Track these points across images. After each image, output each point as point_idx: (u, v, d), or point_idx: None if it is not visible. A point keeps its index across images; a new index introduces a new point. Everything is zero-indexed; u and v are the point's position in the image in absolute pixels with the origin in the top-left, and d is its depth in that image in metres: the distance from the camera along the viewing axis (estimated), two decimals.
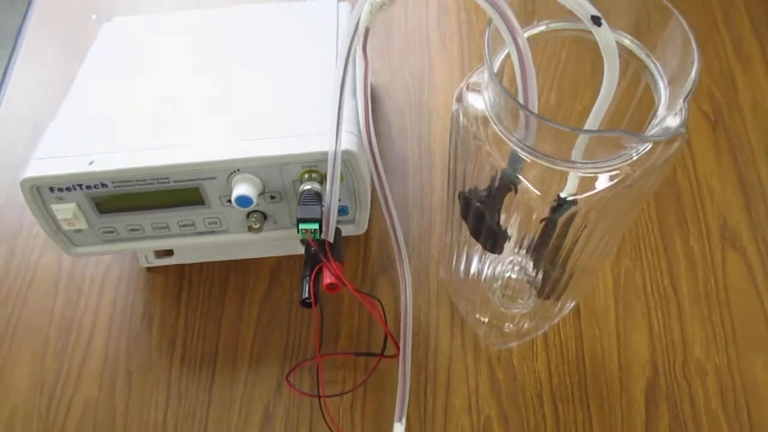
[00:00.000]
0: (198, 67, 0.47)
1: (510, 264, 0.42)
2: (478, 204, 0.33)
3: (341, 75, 0.36)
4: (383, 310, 0.43)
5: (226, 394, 0.47)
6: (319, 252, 0.39)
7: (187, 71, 0.47)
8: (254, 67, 0.46)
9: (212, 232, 0.45)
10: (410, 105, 0.59)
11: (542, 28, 0.30)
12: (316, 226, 0.39)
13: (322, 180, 0.41)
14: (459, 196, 0.35)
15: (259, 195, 0.42)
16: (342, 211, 0.44)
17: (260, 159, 0.41)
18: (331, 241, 0.40)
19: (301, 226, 0.39)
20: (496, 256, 0.40)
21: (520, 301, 0.42)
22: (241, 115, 0.43)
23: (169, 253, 0.51)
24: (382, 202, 0.42)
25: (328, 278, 0.39)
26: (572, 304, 0.49)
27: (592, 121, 0.33)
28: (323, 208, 0.40)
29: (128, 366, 0.48)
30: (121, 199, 0.42)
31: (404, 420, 0.43)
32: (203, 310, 0.50)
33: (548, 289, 0.42)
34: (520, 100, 0.28)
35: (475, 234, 0.36)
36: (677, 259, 0.50)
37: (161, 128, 0.43)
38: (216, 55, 0.48)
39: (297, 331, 0.49)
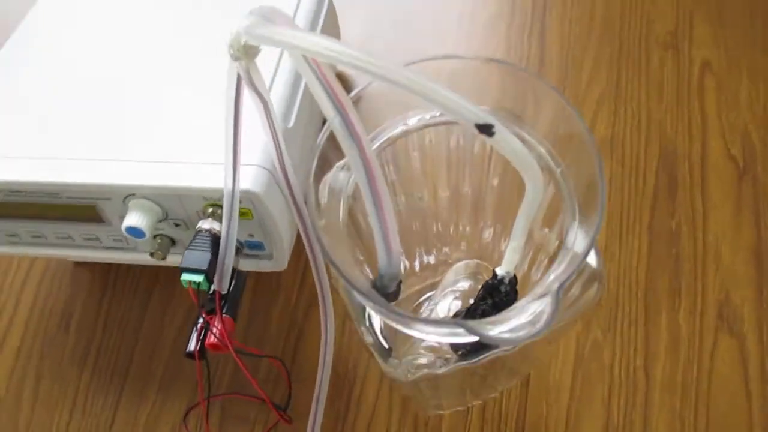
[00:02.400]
0: (116, 55, 0.41)
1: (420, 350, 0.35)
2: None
3: (232, 127, 0.29)
4: (287, 369, 0.38)
5: (131, 416, 0.44)
6: (201, 308, 0.34)
7: (105, 61, 0.41)
8: (175, 61, 0.40)
9: (120, 249, 0.41)
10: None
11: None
12: (200, 278, 0.33)
13: None
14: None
15: (161, 221, 0.37)
16: (256, 246, 0.39)
17: (154, 188, 0.35)
18: (224, 292, 0.35)
19: (184, 276, 0.34)
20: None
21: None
22: (148, 127, 0.37)
23: None
24: (306, 246, 0.36)
25: (211, 337, 0.34)
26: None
27: (518, 234, 0.26)
28: (218, 257, 0.34)
29: (39, 370, 0.46)
30: (15, 207, 0.38)
31: None
32: (124, 317, 0.47)
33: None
34: (375, 227, 0.21)
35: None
36: (658, 336, 0.43)
37: (59, 135, 0.37)
38: (138, 40, 0.42)
39: (215, 357, 0.45)
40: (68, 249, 0.41)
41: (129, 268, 0.48)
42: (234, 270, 0.37)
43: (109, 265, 0.48)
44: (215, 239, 0.35)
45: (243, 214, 0.36)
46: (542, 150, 0.21)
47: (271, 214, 0.36)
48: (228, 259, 0.34)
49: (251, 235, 0.38)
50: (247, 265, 0.40)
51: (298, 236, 0.39)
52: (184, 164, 0.35)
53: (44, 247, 0.41)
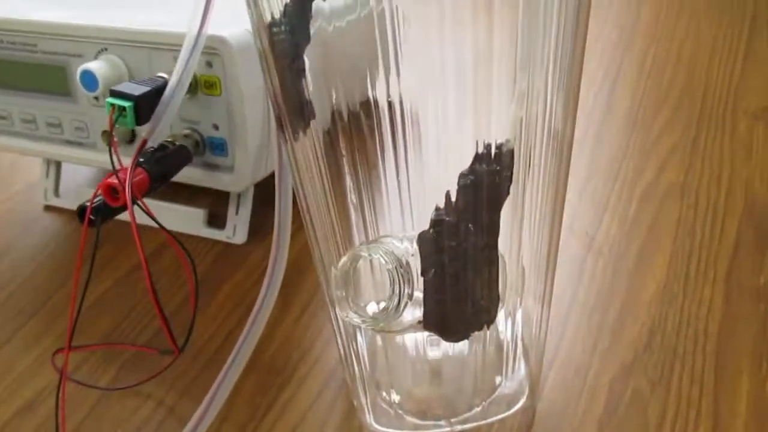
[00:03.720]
0: None
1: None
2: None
3: None
4: (195, 273, 0.28)
5: (17, 354, 0.34)
6: (112, 136, 0.27)
7: None
8: None
9: (80, 144, 0.36)
10: None
11: None
12: (128, 105, 0.27)
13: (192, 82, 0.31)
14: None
15: None
16: (219, 146, 0.32)
17: (123, 32, 0.31)
18: (153, 145, 0.28)
19: (110, 99, 0.28)
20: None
21: (362, 311, 0.24)
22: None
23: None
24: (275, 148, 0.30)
25: (112, 178, 0.27)
26: (522, 403, 0.29)
27: None
28: (160, 98, 0.28)
29: None
30: None
31: None
32: (59, 260, 0.39)
33: (438, 307, 0.24)
34: None
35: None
36: (734, 403, 0.29)
37: None
38: None
39: (138, 319, 0.36)
40: (31, 141, 0.37)
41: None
42: (179, 146, 0.31)
43: (73, 216, 0.42)
44: (165, 85, 0.29)
45: (210, 85, 0.31)
46: None
47: (241, 89, 0.30)
48: (171, 108, 0.28)
49: (216, 127, 0.32)
50: (204, 178, 0.34)
51: (269, 202, 0.32)
52: (159, 23, 0.32)
53: (8, 136, 0.37)
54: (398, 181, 0.25)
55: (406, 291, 0.23)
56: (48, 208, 0.44)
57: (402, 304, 0.23)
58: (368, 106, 0.23)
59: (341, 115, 0.21)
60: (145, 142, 0.28)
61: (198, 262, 0.39)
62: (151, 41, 0.31)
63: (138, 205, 0.26)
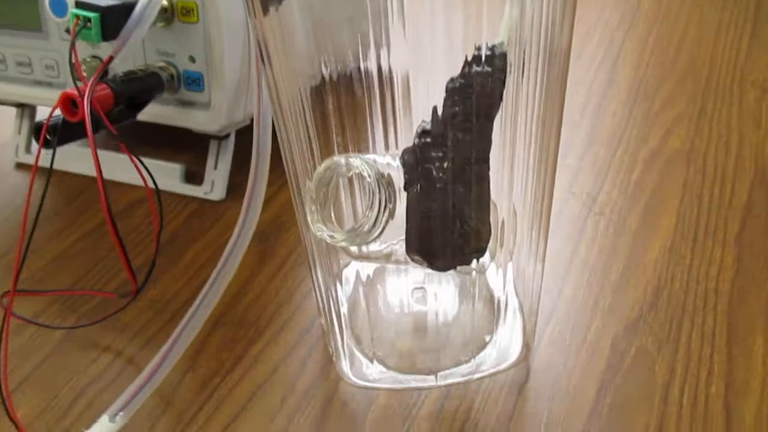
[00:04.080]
0: None
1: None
2: None
3: None
4: (159, 204, 0.26)
5: None
6: (73, 48, 0.25)
7: None
8: None
9: (50, 84, 0.34)
10: None
11: None
12: (93, 16, 0.25)
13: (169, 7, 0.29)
14: None
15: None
16: (195, 81, 0.30)
17: None
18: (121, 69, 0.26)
19: (76, 10, 0.26)
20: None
21: (336, 227, 0.22)
22: None
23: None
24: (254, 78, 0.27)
25: (72, 89, 0.24)
26: (515, 358, 0.26)
27: None
28: (129, 19, 0.26)
29: None
30: None
31: (122, 417, 0.24)
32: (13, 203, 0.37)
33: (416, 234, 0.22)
34: None
35: None
36: (748, 363, 0.26)
37: None
38: None
39: (103, 272, 0.33)
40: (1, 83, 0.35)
41: (65, 176, 0.39)
42: (150, 72, 0.29)
43: (44, 172, 0.40)
44: (137, 2, 0.27)
45: (187, 12, 0.29)
46: None
47: (220, 14, 0.28)
48: (141, 25, 0.26)
49: (192, 59, 0.30)
50: (178, 116, 0.31)
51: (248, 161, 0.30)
52: None
53: None
54: (381, 100, 0.23)
55: (386, 205, 0.21)
56: (19, 166, 0.41)
57: (381, 219, 0.21)
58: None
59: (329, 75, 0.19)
60: (111, 58, 0.26)
61: (172, 218, 0.36)
62: None
63: (99, 121, 0.24)
